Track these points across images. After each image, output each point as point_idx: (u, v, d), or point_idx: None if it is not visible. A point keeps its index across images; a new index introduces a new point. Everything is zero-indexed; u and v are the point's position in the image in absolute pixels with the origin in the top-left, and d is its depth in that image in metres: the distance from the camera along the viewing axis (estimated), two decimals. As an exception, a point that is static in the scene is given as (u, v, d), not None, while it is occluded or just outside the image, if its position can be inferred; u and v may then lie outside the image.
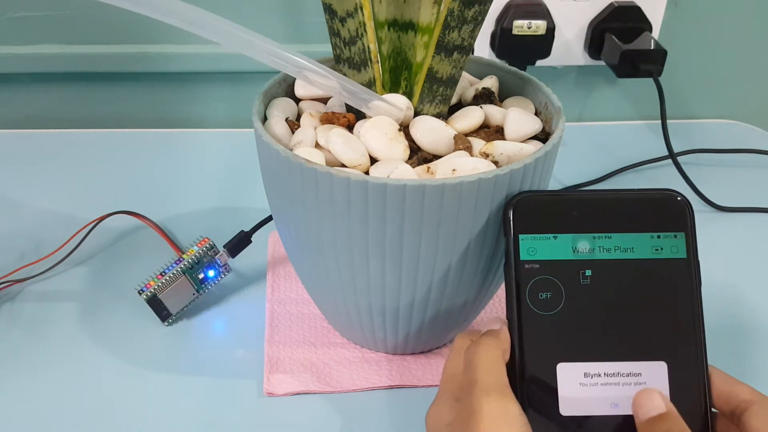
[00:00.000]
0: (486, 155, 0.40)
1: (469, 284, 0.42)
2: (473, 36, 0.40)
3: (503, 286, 0.37)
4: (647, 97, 0.77)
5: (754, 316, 0.53)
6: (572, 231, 0.36)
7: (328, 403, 0.45)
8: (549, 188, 0.43)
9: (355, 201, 0.36)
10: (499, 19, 0.70)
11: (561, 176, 0.70)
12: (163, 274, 0.49)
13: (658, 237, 0.36)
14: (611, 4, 0.71)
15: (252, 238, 0.54)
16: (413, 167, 0.39)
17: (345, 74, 0.41)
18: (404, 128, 0.42)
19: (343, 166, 0.39)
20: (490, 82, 0.47)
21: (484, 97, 0.46)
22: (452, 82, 0.42)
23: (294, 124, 0.43)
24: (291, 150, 0.40)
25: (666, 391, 0.35)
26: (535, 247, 0.36)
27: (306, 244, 0.41)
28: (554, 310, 0.36)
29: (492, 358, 0.34)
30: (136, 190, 0.66)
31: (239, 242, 0.53)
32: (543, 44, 0.70)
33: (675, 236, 0.36)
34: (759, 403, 0.33)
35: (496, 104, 0.45)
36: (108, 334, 0.50)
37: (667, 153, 0.67)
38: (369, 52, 0.41)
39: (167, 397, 0.45)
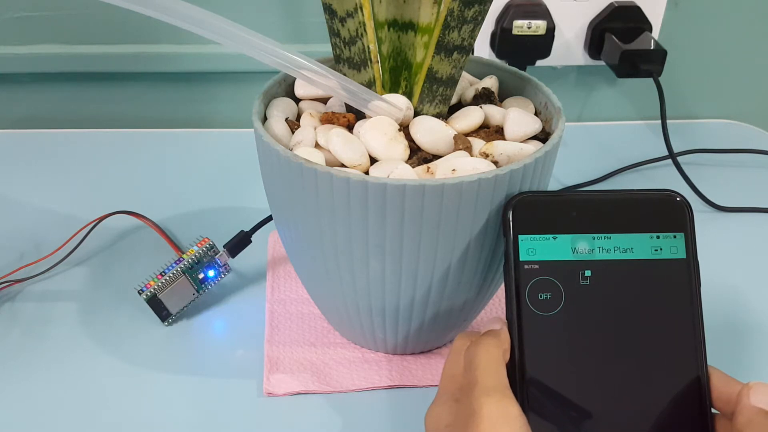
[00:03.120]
0: (486, 155, 0.40)
1: (469, 284, 0.42)
2: (473, 36, 0.40)
3: (503, 286, 0.37)
4: (647, 97, 0.77)
5: (754, 317, 0.53)
6: (572, 231, 0.36)
7: (328, 403, 0.45)
8: (549, 188, 0.43)
9: (355, 201, 0.36)
10: (499, 19, 0.70)
11: (561, 176, 0.70)
12: (163, 274, 0.49)
13: (658, 237, 0.36)
14: (611, 4, 0.71)
15: (252, 238, 0.54)
16: (413, 167, 0.39)
17: (345, 74, 0.41)
18: (404, 128, 0.42)
19: (343, 166, 0.39)
20: (490, 82, 0.47)
21: (484, 97, 0.46)
22: (452, 82, 0.42)
23: (294, 124, 0.43)
24: (291, 150, 0.40)
25: (666, 392, 0.35)
26: (535, 248, 0.36)
27: (306, 244, 0.41)
28: (554, 310, 0.36)
29: (492, 358, 0.34)
30: (136, 190, 0.66)
31: (239, 242, 0.53)
32: (543, 44, 0.70)
33: (674, 236, 0.37)
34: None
35: (496, 104, 0.46)
36: (108, 334, 0.50)
37: (667, 153, 0.67)
38: (369, 52, 0.41)
39: (167, 397, 0.45)
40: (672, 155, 0.66)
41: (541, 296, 0.36)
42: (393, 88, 0.44)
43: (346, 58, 0.41)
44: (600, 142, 0.77)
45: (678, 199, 0.37)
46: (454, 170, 0.37)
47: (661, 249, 0.36)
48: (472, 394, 0.33)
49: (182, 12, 0.36)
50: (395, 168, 0.38)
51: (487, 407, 0.32)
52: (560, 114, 0.42)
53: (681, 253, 0.36)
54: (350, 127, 0.42)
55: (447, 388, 0.36)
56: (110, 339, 0.50)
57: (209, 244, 0.51)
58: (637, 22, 0.72)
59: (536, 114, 0.45)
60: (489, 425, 0.31)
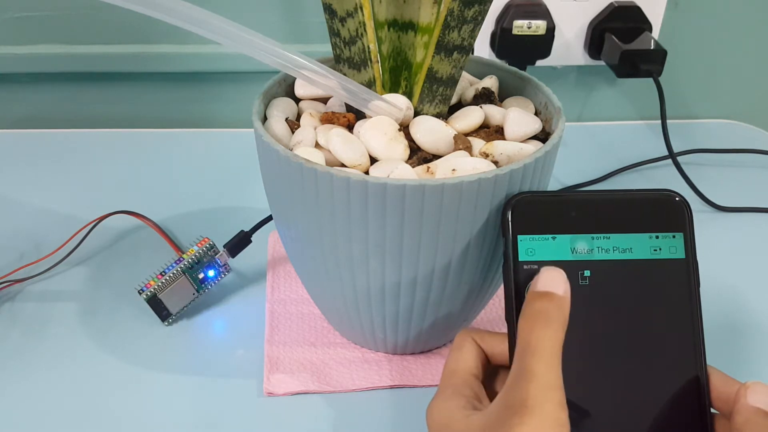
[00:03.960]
0: (486, 155, 0.40)
1: (469, 284, 0.42)
2: (473, 36, 0.40)
3: (503, 286, 0.37)
4: (647, 97, 0.77)
5: (753, 317, 0.53)
6: (570, 231, 0.36)
7: (328, 403, 0.45)
8: (549, 188, 0.43)
9: (355, 201, 0.36)
10: (499, 19, 0.70)
11: (561, 176, 0.70)
12: (163, 273, 0.49)
13: (657, 237, 0.36)
14: (611, 4, 0.71)
15: (252, 238, 0.54)
16: (413, 167, 0.39)
17: (345, 74, 0.41)
18: (404, 128, 0.42)
19: (343, 166, 0.39)
20: (490, 82, 0.47)
21: (484, 97, 0.46)
22: (452, 82, 0.42)
23: (294, 124, 0.43)
24: (291, 150, 0.40)
25: (665, 392, 0.35)
26: (534, 248, 0.36)
27: (306, 244, 0.41)
28: (553, 310, 0.36)
29: (556, 344, 0.31)
30: (136, 190, 0.66)
31: (239, 242, 0.53)
32: (543, 44, 0.70)
33: (673, 236, 0.37)
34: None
35: (496, 104, 0.46)
36: (108, 334, 0.50)
37: (667, 153, 0.67)
38: (369, 52, 0.42)
39: (167, 397, 0.45)
40: (672, 155, 0.66)
41: (540, 296, 0.36)
42: (393, 88, 0.44)
43: (346, 58, 0.41)
44: (600, 142, 0.77)
45: (677, 199, 0.37)
46: (454, 170, 0.37)
47: (660, 249, 0.36)
48: (524, 386, 0.30)
49: (182, 12, 0.36)
50: (395, 168, 0.38)
51: (542, 409, 0.29)
52: (560, 114, 0.42)
53: (680, 253, 0.36)
54: (350, 127, 0.42)
55: (450, 383, 0.35)
56: (110, 339, 0.50)
57: (209, 244, 0.51)
58: (637, 22, 0.72)
59: (536, 114, 0.45)
60: (539, 426, 0.29)
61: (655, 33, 0.73)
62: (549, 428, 0.29)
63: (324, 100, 0.47)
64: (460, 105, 0.46)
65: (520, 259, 0.36)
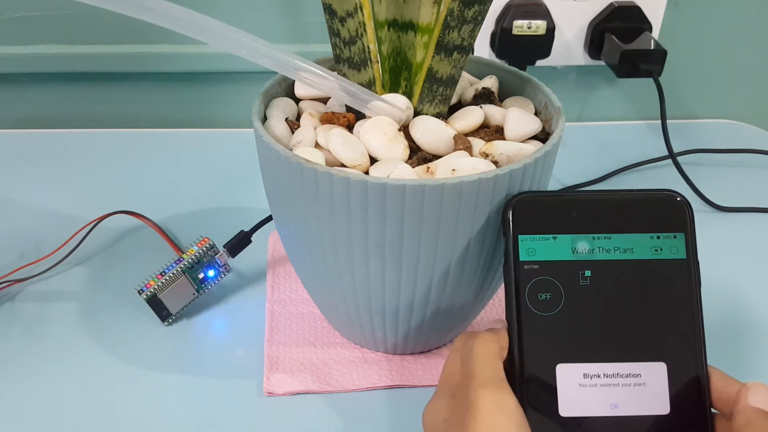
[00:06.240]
0: (486, 155, 0.40)
1: (469, 284, 0.42)
2: (473, 36, 0.40)
3: (503, 286, 0.37)
4: (647, 97, 0.77)
5: (754, 317, 0.53)
6: (571, 231, 0.36)
7: (328, 403, 0.45)
8: (549, 188, 0.43)
9: (355, 201, 0.36)
10: (499, 19, 0.70)
11: (561, 176, 0.70)
12: (163, 273, 0.49)
13: (658, 237, 0.36)
14: (611, 4, 0.71)
15: (252, 238, 0.54)
16: (413, 167, 0.39)
17: (345, 74, 0.41)
18: (404, 128, 0.42)
19: (343, 166, 0.39)
20: (490, 82, 0.47)
21: (483, 97, 0.46)
22: (452, 82, 0.42)
23: (294, 124, 0.43)
24: (291, 150, 0.40)
25: (666, 392, 0.35)
26: (535, 248, 0.36)
27: (306, 244, 0.41)
28: (554, 310, 0.36)
29: (489, 351, 0.34)
30: (136, 190, 0.66)
31: (239, 242, 0.53)
32: (543, 44, 0.70)
33: (674, 237, 0.36)
34: (759, 403, 0.33)
35: (495, 104, 0.45)
36: (108, 334, 0.50)
37: (667, 153, 0.67)
38: (369, 52, 0.41)
39: (167, 397, 0.45)
40: (672, 155, 0.66)
41: (540, 296, 0.36)
42: (393, 88, 0.44)
43: (346, 58, 0.41)
44: (600, 142, 0.77)
45: (678, 199, 0.37)
46: (454, 170, 0.37)
47: (661, 249, 0.36)
48: (469, 387, 0.33)
49: (182, 18, 0.36)
50: (395, 168, 0.38)
51: (483, 398, 0.32)
52: (560, 114, 0.42)
53: (681, 253, 0.36)
54: (350, 127, 0.42)
55: (445, 385, 0.36)
56: (110, 339, 0.50)
57: (209, 244, 0.51)
58: (637, 22, 0.72)
59: (536, 114, 0.45)
60: (486, 416, 0.31)
61: (655, 33, 0.73)
62: (499, 416, 0.32)
63: (324, 100, 0.47)
64: (460, 105, 0.46)
65: (520, 259, 0.36)
